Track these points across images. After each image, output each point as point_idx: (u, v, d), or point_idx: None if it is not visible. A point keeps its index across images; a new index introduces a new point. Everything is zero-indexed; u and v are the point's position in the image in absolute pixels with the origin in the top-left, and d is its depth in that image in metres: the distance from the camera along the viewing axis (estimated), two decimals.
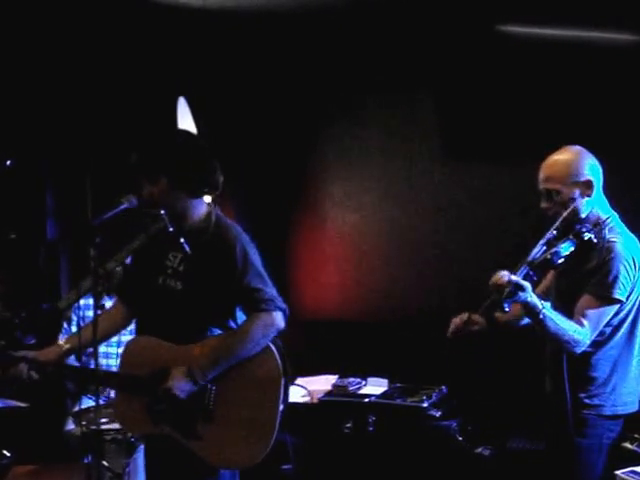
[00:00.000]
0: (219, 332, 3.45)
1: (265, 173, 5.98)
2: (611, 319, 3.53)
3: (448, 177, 5.52)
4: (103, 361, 4.35)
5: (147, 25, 5.36)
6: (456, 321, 3.78)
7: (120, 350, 3.67)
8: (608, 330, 3.55)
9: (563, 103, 4.89)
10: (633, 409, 3.65)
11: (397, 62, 5.54)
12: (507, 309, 3.39)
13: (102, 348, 4.25)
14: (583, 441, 3.57)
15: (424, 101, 5.55)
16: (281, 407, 3.37)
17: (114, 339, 4.11)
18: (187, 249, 3.41)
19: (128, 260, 3.55)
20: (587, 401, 3.57)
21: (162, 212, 3.39)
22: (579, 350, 3.48)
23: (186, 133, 3.90)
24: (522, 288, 3.34)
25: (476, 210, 5.42)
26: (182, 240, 3.41)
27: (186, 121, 5.71)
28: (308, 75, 5.80)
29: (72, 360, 3.73)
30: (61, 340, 4.69)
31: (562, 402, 3.55)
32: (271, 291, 3.42)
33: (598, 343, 3.54)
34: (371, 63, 5.62)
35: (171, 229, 3.39)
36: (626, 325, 3.58)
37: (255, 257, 3.45)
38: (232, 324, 3.48)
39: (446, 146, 5.50)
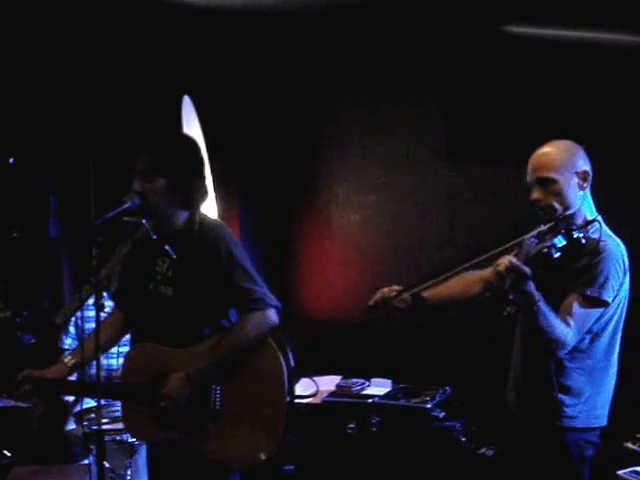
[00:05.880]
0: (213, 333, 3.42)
1: (269, 173, 5.98)
2: (592, 324, 3.31)
3: (452, 177, 5.50)
4: (104, 361, 4.33)
5: (151, 24, 5.35)
6: (384, 291, 3.67)
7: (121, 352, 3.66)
8: (588, 338, 3.32)
9: (568, 103, 4.86)
10: (604, 422, 3.43)
11: (401, 63, 5.53)
12: (512, 298, 3.19)
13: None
14: (564, 460, 3.37)
15: (428, 101, 5.53)
16: (287, 399, 3.34)
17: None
18: (172, 255, 3.39)
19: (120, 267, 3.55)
20: (562, 412, 3.34)
21: (143, 221, 3.36)
22: (563, 352, 3.27)
23: (193, 140, 3.71)
24: (527, 276, 3.12)
25: (481, 210, 5.39)
26: (167, 247, 3.38)
27: (191, 120, 5.70)
28: (313, 75, 5.80)
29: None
30: (63, 343, 4.73)
31: (538, 418, 3.39)
32: (261, 289, 3.38)
33: (576, 351, 3.32)
34: (375, 63, 5.62)
35: (154, 237, 3.37)
36: (606, 334, 3.36)
37: (242, 256, 3.40)
38: (226, 324, 3.45)
39: (450, 146, 5.47)
